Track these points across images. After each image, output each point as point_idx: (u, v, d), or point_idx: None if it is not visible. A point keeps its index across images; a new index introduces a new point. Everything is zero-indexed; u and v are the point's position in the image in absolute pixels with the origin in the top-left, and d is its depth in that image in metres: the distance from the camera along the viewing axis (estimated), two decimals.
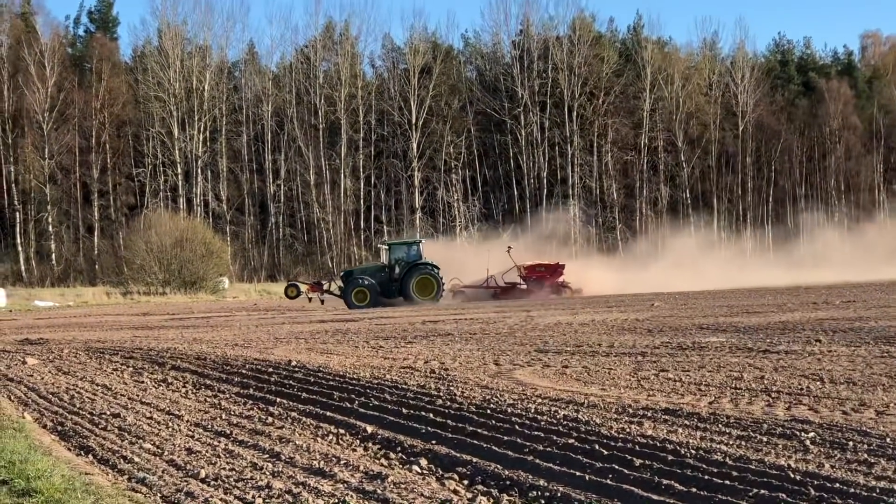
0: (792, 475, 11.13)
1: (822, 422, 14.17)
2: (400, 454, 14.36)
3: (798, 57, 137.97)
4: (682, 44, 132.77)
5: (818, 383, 17.73)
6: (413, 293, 60.20)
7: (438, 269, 61.21)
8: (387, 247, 63.94)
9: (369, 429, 15.98)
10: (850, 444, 12.68)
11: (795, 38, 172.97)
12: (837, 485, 10.66)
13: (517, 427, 14.82)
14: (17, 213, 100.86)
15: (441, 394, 18.10)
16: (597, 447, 13.16)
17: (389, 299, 60.86)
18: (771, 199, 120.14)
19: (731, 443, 13.07)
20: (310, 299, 63.88)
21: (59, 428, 17.45)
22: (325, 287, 63.18)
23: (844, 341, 24.64)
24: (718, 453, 12.33)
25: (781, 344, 24.64)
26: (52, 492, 11.72)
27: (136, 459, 14.28)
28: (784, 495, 10.44)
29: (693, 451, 12.47)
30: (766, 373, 19.35)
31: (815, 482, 10.80)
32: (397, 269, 60.98)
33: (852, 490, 10.46)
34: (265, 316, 55.40)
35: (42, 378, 25.03)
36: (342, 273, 64.30)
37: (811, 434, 13.28)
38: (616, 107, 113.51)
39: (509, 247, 65.39)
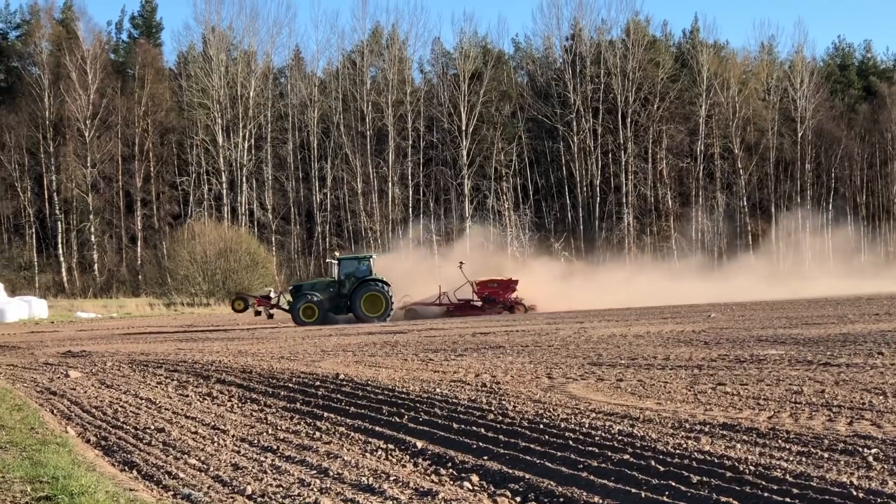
0: (854, 493, 11.08)
1: (886, 437, 14.08)
2: (451, 470, 14.37)
3: (858, 61, 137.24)
4: (739, 48, 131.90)
5: (881, 397, 17.61)
6: (361, 310, 59.05)
7: (388, 285, 59.99)
8: (336, 262, 62.50)
9: (419, 444, 16.00)
10: None
11: (856, 42, 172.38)
12: None
13: (571, 442, 14.82)
14: (59, 223, 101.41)
15: (493, 408, 18.10)
16: (653, 463, 13.13)
17: (338, 315, 60.06)
18: (831, 207, 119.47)
19: (791, 459, 13.02)
20: (258, 313, 62.46)
21: (103, 443, 17.54)
22: (274, 301, 61.87)
23: None
24: (778, 470, 12.28)
25: (842, 357, 24.50)
26: None
27: (182, 475, 14.35)
28: None
29: (752, 468, 12.43)
30: (826, 386, 19.24)
31: (879, 500, 10.75)
32: (347, 285, 59.93)
33: None
34: (311, 328, 55.55)
35: (85, 391, 25.16)
36: (291, 287, 63.67)
37: (874, 450, 13.21)
38: (671, 112, 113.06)
39: (461, 262, 64.03)
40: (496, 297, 63.52)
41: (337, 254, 66.05)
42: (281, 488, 13.29)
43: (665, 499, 11.64)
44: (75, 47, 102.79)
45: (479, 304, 63.59)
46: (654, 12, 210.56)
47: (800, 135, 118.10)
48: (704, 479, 12.17)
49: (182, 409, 21.27)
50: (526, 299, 64.63)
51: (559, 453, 14.31)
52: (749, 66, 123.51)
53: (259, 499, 12.75)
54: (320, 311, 58.74)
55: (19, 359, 37.55)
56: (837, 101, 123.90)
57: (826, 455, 13.16)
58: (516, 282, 64.54)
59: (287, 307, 60.53)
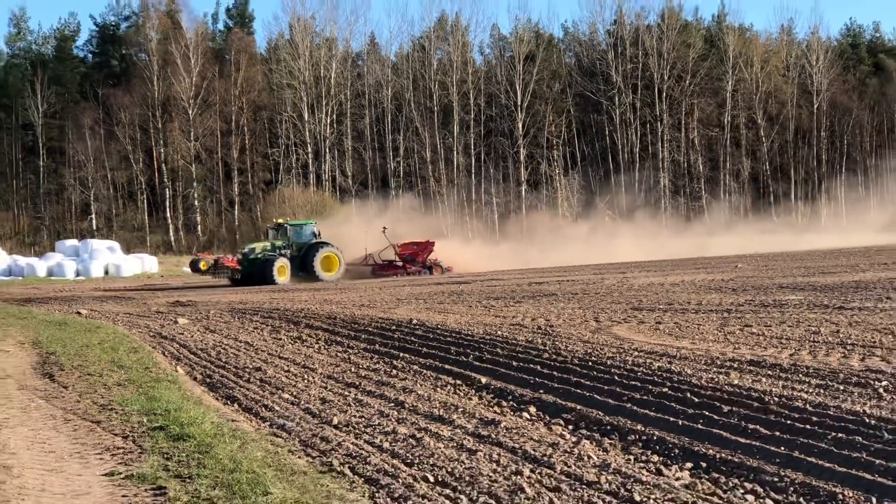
0: (867, 420, 11.02)
1: (895, 371, 13.98)
2: (511, 402, 14.39)
3: (868, 40, 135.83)
4: (761, 30, 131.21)
5: (890, 336, 17.46)
6: (318, 270, 56.77)
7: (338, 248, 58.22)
8: (289, 226, 59.44)
9: (483, 380, 16.02)
10: None
11: (866, 23, 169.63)
12: None
13: (616, 378, 14.79)
14: (167, 190, 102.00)
15: (547, 348, 18.08)
16: (688, 395, 13.10)
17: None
18: (844, 170, 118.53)
19: (810, 391, 12.94)
20: (213, 275, 58.84)
21: (208, 380, 17.67)
22: (224, 264, 57.39)
23: None
24: (799, 400, 12.23)
25: (855, 301, 24.29)
26: (203, 437, 11.87)
27: (276, 408, 14.44)
28: (860, 438, 10.34)
29: (776, 399, 12.38)
30: (841, 327, 19.09)
31: (889, 426, 10.69)
32: (294, 248, 57.41)
33: None
34: (387, 279, 55.62)
35: (192, 336, 25.33)
36: (244, 250, 58.98)
37: (884, 382, 13.12)
38: (701, 88, 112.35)
39: (384, 227, 62.38)
40: (416, 257, 61.87)
41: (280, 220, 62.75)
42: (363, 419, 13.34)
43: (699, 426, 11.62)
44: (179, 36, 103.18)
45: (400, 264, 61.81)
46: (686, 0, 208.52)
47: (815, 106, 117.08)
48: (734, 408, 12.13)
49: (276, 351, 21.38)
50: (443, 261, 62.99)
51: (606, 387, 14.30)
52: (770, 45, 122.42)
53: (344, 428, 12.81)
54: (290, 270, 56.11)
55: (134, 308, 37.84)
56: (849, 76, 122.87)
57: (841, 387, 13.08)
58: (433, 244, 63.03)
59: (229, 272, 56.92)
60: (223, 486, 9.65)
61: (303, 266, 56.93)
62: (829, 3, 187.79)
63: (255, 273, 55.39)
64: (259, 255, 56.51)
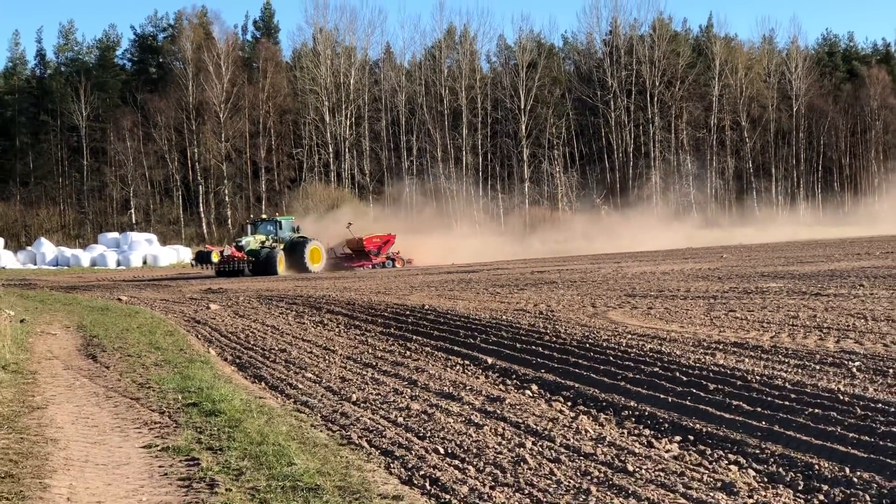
0: (841, 397, 11.04)
1: (867, 352, 13.99)
2: (515, 381, 14.42)
3: (843, 48, 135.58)
4: (745, 39, 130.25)
5: (862, 321, 17.48)
6: (307, 262, 55.45)
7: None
8: (279, 221, 58.04)
9: (489, 360, 16.05)
10: (891, 370, 12.52)
11: (841, 33, 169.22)
12: (880, 405, 10.57)
13: (611, 358, 14.81)
14: (200, 186, 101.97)
15: (548, 331, 18.11)
16: (677, 374, 13.12)
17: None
18: (820, 168, 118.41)
19: (789, 370, 12.96)
20: (192, 265, 58.35)
21: (238, 361, 17.71)
22: (234, 256, 54.94)
23: (884, 286, 24.23)
24: (779, 379, 12.24)
25: (830, 288, 24.29)
26: (233, 412, 11.92)
27: (300, 386, 14.47)
28: (835, 413, 10.36)
29: (758, 377, 12.39)
30: (818, 312, 19.10)
31: (861, 403, 10.70)
32: (282, 243, 55.83)
33: (892, 409, 10.34)
34: (402, 269, 55.63)
35: (223, 320, 25.38)
36: (241, 243, 55.96)
37: (857, 363, 13.13)
38: (689, 93, 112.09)
39: (349, 223, 60.38)
40: (378, 250, 59.93)
41: (265, 216, 61.35)
42: (379, 396, 13.37)
43: (688, 402, 11.64)
44: (212, 46, 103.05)
45: (352, 255, 60.18)
46: (675, 11, 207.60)
47: (794, 109, 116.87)
48: (719, 386, 12.15)
49: (300, 334, 21.41)
50: (404, 253, 61.55)
51: (602, 367, 14.32)
52: (753, 54, 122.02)
53: (362, 404, 12.85)
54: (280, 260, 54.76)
55: (170, 294, 37.92)
56: (826, 82, 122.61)
57: (818, 367, 13.10)
58: (394, 237, 61.15)
59: (214, 263, 55.05)
60: (251, 458, 9.70)
61: (291, 258, 55.73)
62: (808, 15, 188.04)
63: (260, 264, 54.14)
64: (258, 248, 55.04)
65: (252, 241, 55.56)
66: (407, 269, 54.00)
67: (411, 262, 61.21)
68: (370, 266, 58.31)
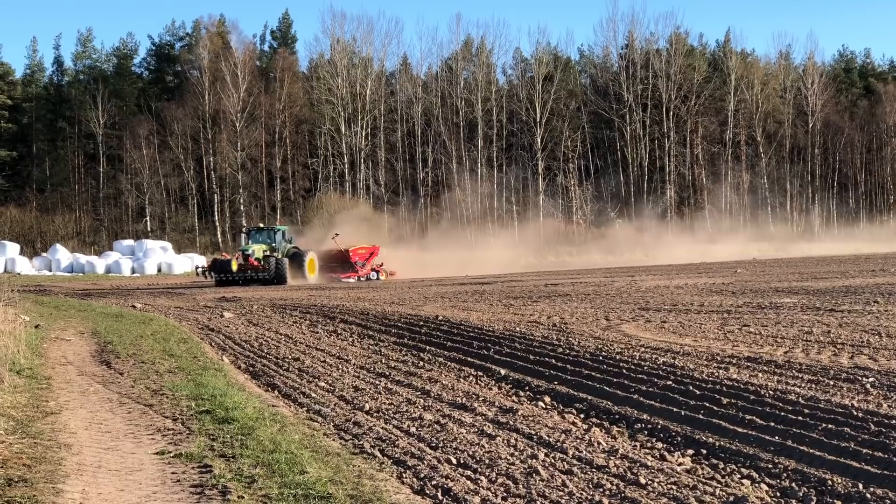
0: (855, 413, 11.01)
1: (881, 369, 13.96)
2: (528, 392, 14.41)
3: (859, 65, 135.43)
4: (762, 55, 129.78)
5: (877, 337, 17.45)
6: (306, 272, 55.30)
7: None
8: (281, 230, 58.06)
9: (502, 371, 16.04)
10: None
11: (857, 50, 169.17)
12: (894, 421, 10.54)
13: (624, 371, 14.80)
14: (216, 195, 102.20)
15: (561, 343, 18.09)
16: (690, 388, 13.09)
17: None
18: (836, 184, 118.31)
19: (803, 385, 12.94)
20: (198, 273, 58.46)
21: (251, 369, 17.73)
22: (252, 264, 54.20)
23: None
24: (792, 394, 12.21)
25: (845, 304, 24.24)
26: (245, 420, 11.95)
27: (313, 395, 14.48)
28: (848, 429, 10.33)
29: (771, 392, 12.37)
30: (832, 328, 19.06)
31: (875, 419, 10.68)
32: (281, 252, 55.48)
33: None
34: (416, 279, 55.64)
35: (236, 328, 25.42)
36: (247, 251, 54.63)
37: (871, 379, 13.10)
38: (705, 107, 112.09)
39: (336, 234, 60.20)
40: (364, 261, 59.33)
41: (261, 225, 60.91)
42: (392, 406, 13.38)
43: (700, 416, 11.62)
44: (229, 55, 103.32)
45: (334, 264, 59.25)
46: (692, 26, 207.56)
47: (810, 125, 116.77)
48: (732, 401, 12.13)
49: (313, 343, 21.43)
50: (388, 266, 61.15)
51: (615, 380, 14.30)
52: (769, 69, 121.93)
53: (375, 414, 12.85)
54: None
55: (184, 302, 37.99)
56: (842, 98, 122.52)
57: (832, 382, 13.07)
58: (378, 248, 61.21)
59: (210, 272, 54.98)
60: (264, 465, 9.72)
61: (291, 268, 55.07)
62: (824, 31, 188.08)
63: (271, 273, 53.55)
64: (262, 258, 54.31)
65: (257, 250, 54.97)
66: (421, 280, 53.96)
67: (394, 275, 60.58)
68: (356, 278, 57.90)
